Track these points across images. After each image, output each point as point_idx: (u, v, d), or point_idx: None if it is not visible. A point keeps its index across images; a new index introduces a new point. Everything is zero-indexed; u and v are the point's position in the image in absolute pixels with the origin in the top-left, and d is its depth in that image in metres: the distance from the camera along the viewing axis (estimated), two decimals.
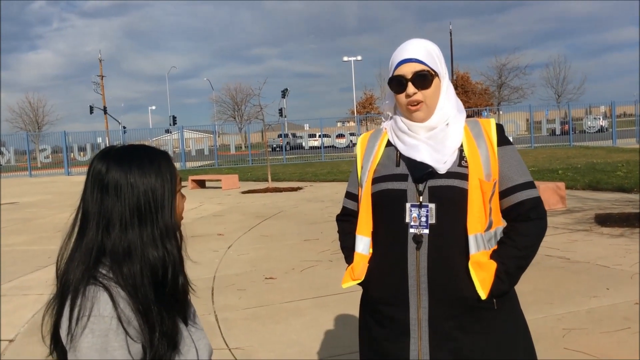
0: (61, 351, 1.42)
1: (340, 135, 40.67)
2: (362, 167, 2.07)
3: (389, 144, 2.03)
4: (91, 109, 55.92)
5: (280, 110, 44.40)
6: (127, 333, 1.34)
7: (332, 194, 14.93)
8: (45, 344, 1.47)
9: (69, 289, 1.39)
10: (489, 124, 1.98)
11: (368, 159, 2.05)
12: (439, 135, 1.92)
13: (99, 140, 36.81)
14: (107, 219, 1.41)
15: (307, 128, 58.84)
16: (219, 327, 4.96)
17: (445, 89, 1.96)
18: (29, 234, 10.86)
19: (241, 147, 47.21)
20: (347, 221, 2.18)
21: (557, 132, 36.68)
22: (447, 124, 1.94)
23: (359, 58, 59.84)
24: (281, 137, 39.89)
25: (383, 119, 2.13)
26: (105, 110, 58.27)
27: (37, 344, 4.69)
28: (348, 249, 2.13)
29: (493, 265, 1.87)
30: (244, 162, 34.37)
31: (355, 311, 5.01)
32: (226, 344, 4.53)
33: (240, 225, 10.52)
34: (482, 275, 1.85)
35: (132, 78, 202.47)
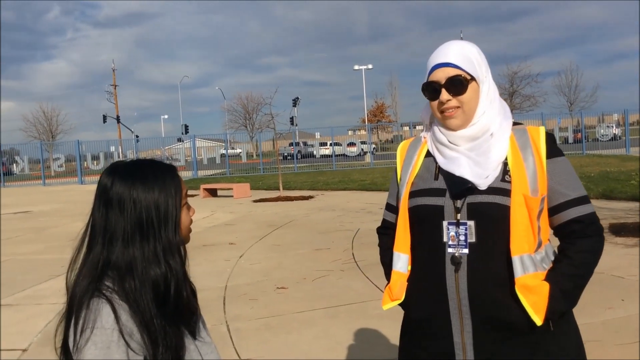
0: None
1: (352, 144, 40.66)
2: (400, 179, 1.96)
3: (428, 154, 1.91)
4: (104, 118, 56.43)
5: (292, 118, 44.57)
6: (128, 345, 1.36)
7: (344, 203, 14.92)
8: (57, 354, 1.49)
9: (75, 301, 1.42)
10: (538, 134, 1.81)
11: (407, 170, 1.93)
12: (482, 146, 1.78)
13: (112, 149, 37.09)
14: (111, 233, 1.44)
15: (318, 136, 58.90)
16: (231, 337, 4.95)
17: (485, 92, 1.82)
18: (42, 243, 10.92)
19: (252, 156, 47.31)
20: (387, 235, 2.06)
21: (570, 140, 36.45)
22: (492, 134, 1.79)
23: (370, 66, 60.00)
24: (292, 145, 39.92)
25: (422, 128, 2.01)
26: (118, 119, 58.69)
27: (50, 354, 4.70)
28: (387, 265, 2.01)
29: (545, 286, 1.71)
30: (255, 170, 34.44)
31: (366, 322, 5.01)
32: (237, 355, 4.52)
33: (251, 234, 10.52)
34: (533, 300, 1.70)
35: (144, 87, 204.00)
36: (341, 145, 40.58)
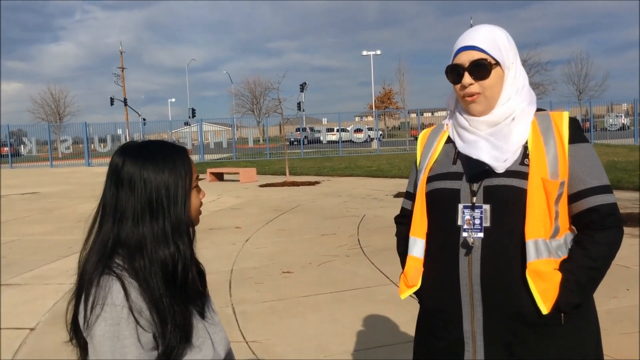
0: (81, 338, 1.47)
1: (358, 130, 40.69)
2: (419, 165, 1.94)
3: (448, 140, 1.88)
4: (112, 100, 56.54)
5: (299, 104, 44.47)
6: (137, 322, 1.38)
7: (350, 189, 14.93)
8: (67, 330, 1.51)
9: (85, 278, 1.44)
10: (561, 118, 1.76)
11: (426, 156, 1.91)
12: (503, 130, 1.74)
13: (119, 131, 37.19)
14: (121, 212, 1.45)
15: (325, 122, 58.75)
16: (237, 320, 4.99)
17: (511, 80, 1.77)
18: (49, 224, 11.00)
19: (259, 141, 47.34)
20: (403, 224, 2.03)
21: None
22: (513, 119, 1.75)
23: (379, 52, 59.61)
24: (299, 131, 39.91)
25: (446, 116, 1.98)
26: (125, 102, 58.78)
27: (58, 333, 4.76)
28: (402, 254, 1.99)
29: (557, 275, 1.67)
30: (262, 155, 34.47)
31: (372, 307, 5.04)
32: (243, 337, 4.56)
33: (257, 219, 10.56)
34: (542, 287, 1.65)
35: (152, 70, 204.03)
36: (348, 131, 40.55)
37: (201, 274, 1.61)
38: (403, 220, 2.05)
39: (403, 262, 1.97)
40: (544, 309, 1.66)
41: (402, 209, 2.07)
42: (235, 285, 6.14)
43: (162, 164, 1.48)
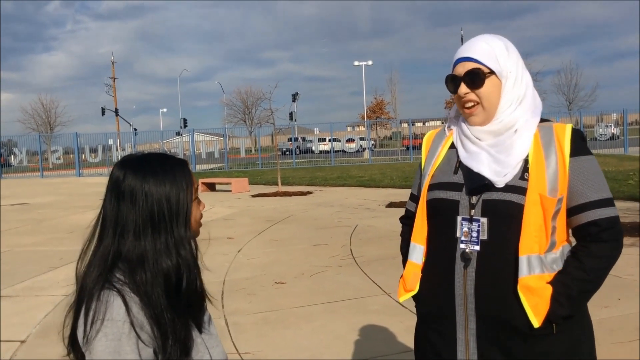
0: (78, 352, 1.46)
1: (350, 140, 40.68)
2: (424, 169, 1.96)
3: (452, 145, 1.91)
4: (103, 110, 56.48)
5: (291, 114, 44.51)
6: (139, 337, 1.37)
7: (342, 199, 14.93)
8: (65, 345, 1.51)
9: (85, 292, 1.43)
10: (563, 131, 1.75)
11: (430, 160, 1.94)
12: (505, 142, 1.76)
13: (110, 142, 36.99)
14: (122, 225, 1.45)
15: (317, 132, 58.65)
16: (229, 331, 4.97)
17: (510, 88, 1.78)
18: (40, 235, 10.92)
19: (251, 151, 47.31)
20: (407, 225, 2.06)
21: None
22: (516, 131, 1.76)
23: (370, 62, 59.83)
24: (291, 140, 39.91)
25: (447, 125, 2.00)
26: (116, 112, 58.68)
27: (49, 345, 4.72)
28: (405, 255, 2.02)
29: (547, 290, 1.69)
30: (254, 165, 34.43)
31: (364, 317, 5.04)
32: (236, 349, 4.54)
33: (250, 229, 10.54)
34: (534, 301, 1.68)
35: (143, 80, 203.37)
36: (340, 141, 40.59)
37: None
38: (406, 222, 2.09)
39: (404, 262, 2.00)
40: (536, 322, 1.68)
41: (407, 210, 2.11)
42: (227, 297, 6.12)
43: (163, 177, 1.48)
